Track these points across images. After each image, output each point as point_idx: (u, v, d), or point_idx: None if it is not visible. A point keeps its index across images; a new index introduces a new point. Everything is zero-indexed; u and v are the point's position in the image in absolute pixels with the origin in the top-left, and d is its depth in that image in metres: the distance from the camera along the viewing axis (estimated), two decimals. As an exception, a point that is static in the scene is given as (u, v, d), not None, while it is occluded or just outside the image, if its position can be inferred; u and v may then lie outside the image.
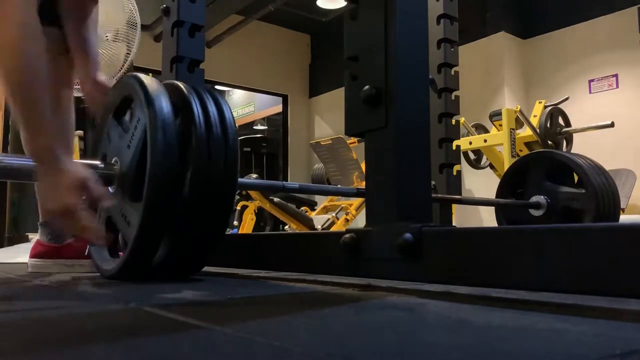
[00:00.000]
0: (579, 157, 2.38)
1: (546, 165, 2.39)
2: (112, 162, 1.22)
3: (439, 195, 2.13)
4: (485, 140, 4.30)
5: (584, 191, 2.26)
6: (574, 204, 2.30)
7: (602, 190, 2.24)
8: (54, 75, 1.26)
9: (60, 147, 1.05)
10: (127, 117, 1.26)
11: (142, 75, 1.19)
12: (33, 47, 1.04)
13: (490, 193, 2.60)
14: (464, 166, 4.09)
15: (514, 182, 2.48)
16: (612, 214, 2.25)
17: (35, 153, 1.04)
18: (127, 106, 1.23)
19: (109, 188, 1.21)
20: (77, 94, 2.56)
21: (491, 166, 4.54)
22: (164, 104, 1.11)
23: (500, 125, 4.21)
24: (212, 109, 1.16)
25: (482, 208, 5.30)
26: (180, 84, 1.20)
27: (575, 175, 2.37)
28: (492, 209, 2.65)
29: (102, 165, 1.21)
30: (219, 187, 1.13)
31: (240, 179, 1.46)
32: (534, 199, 2.37)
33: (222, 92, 9.69)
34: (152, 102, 1.10)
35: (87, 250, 1.49)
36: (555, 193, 2.34)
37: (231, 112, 1.20)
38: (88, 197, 1.04)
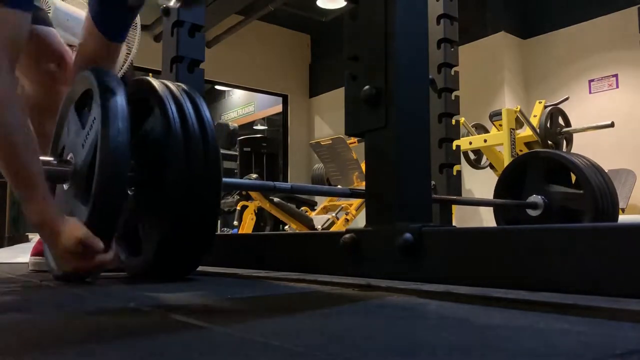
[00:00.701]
0: (576, 157, 2.37)
1: (543, 166, 2.39)
2: (68, 158, 1.20)
3: (438, 196, 2.13)
4: (485, 140, 4.30)
5: (581, 191, 2.26)
6: (571, 204, 2.29)
7: (600, 191, 2.23)
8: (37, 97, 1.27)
9: (53, 211, 1.05)
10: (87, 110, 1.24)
11: (101, 70, 1.16)
12: (12, 118, 1.02)
13: (490, 193, 2.60)
14: (464, 166, 4.09)
15: (512, 182, 2.48)
16: (611, 214, 2.24)
17: (32, 222, 1.06)
18: (88, 100, 1.21)
19: (64, 185, 1.19)
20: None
21: (491, 166, 4.54)
22: (119, 102, 1.08)
23: (500, 125, 4.21)
24: (187, 105, 1.14)
25: (482, 208, 5.30)
26: (152, 80, 1.19)
27: (572, 175, 2.37)
28: (492, 209, 2.65)
29: (56, 162, 1.19)
30: (201, 186, 1.12)
31: (229, 179, 1.44)
32: (532, 199, 2.37)
33: (222, 92, 9.70)
34: (105, 99, 1.07)
35: None
36: (552, 193, 2.33)
37: (208, 110, 1.19)
38: (89, 254, 1.04)
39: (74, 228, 1.03)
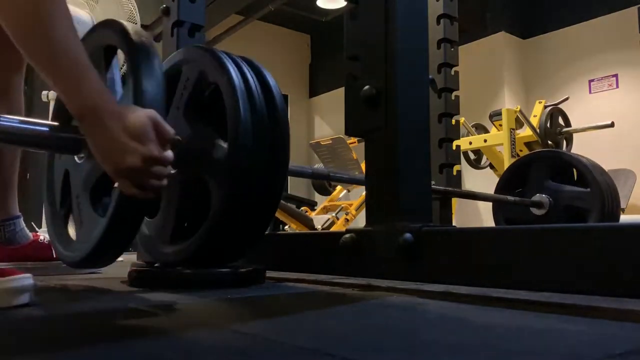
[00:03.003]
0: (582, 157, 2.39)
1: (549, 165, 2.40)
2: None
3: (442, 188, 2.10)
4: (485, 140, 4.30)
5: (588, 190, 2.27)
6: (577, 203, 2.30)
7: (606, 190, 2.25)
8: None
9: (112, 98, 0.87)
10: None
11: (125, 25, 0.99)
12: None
13: (490, 193, 2.60)
14: (464, 166, 4.09)
15: (513, 182, 2.48)
16: (615, 213, 2.26)
17: (87, 107, 0.84)
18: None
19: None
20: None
21: (491, 166, 4.53)
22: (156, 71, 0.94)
23: (500, 125, 4.21)
24: (252, 79, 1.02)
25: (482, 209, 5.30)
26: (214, 50, 1.07)
27: (575, 174, 2.37)
28: (492, 210, 2.65)
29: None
30: (265, 173, 1.00)
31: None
32: (536, 197, 2.37)
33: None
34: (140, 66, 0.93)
35: (54, 252, 1.40)
36: (558, 192, 2.34)
37: (276, 84, 1.06)
38: (159, 142, 0.85)
39: (143, 110, 0.86)
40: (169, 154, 0.87)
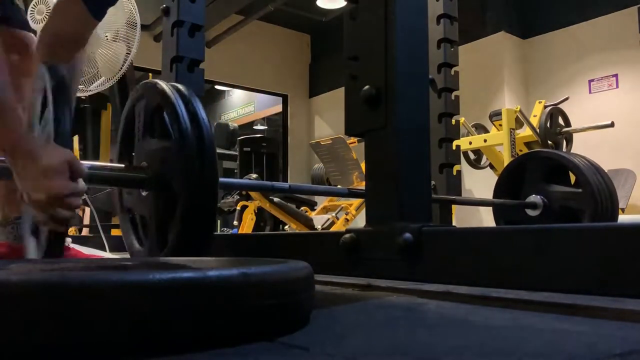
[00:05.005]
0: (575, 157, 2.38)
1: (542, 165, 2.39)
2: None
3: (438, 196, 2.13)
4: (485, 140, 4.30)
5: (580, 190, 2.27)
6: (571, 203, 2.30)
7: (599, 190, 2.24)
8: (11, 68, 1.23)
9: (30, 138, 0.98)
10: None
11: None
12: None
13: (490, 193, 2.60)
14: (464, 166, 4.09)
15: (511, 183, 2.48)
16: (610, 213, 2.25)
17: (5, 147, 0.95)
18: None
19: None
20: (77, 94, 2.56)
21: (491, 166, 4.54)
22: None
23: (500, 125, 4.21)
24: (180, 106, 1.14)
25: (482, 208, 5.30)
26: (160, 82, 1.20)
27: (572, 175, 2.37)
28: (492, 209, 2.65)
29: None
30: (198, 187, 1.11)
31: (228, 180, 1.45)
32: (530, 198, 2.37)
33: (222, 92, 9.71)
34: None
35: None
36: (551, 193, 2.34)
37: (204, 111, 1.18)
38: (73, 178, 0.96)
39: (59, 148, 0.97)
40: (79, 187, 0.97)
